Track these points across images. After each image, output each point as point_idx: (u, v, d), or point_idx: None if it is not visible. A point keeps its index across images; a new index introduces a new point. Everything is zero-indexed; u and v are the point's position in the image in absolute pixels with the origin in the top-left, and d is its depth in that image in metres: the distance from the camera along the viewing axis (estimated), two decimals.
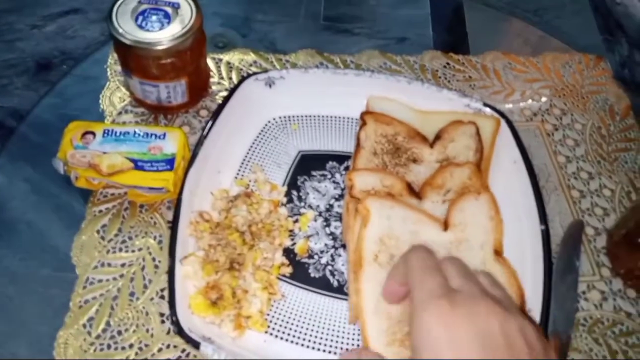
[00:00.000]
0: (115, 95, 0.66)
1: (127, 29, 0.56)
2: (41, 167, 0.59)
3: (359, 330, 0.50)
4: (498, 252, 0.51)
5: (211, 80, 0.67)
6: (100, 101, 0.65)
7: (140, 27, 0.57)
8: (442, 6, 0.87)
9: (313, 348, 0.49)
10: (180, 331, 0.46)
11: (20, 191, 0.58)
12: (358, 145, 0.57)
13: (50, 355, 0.48)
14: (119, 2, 0.58)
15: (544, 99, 0.68)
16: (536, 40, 0.78)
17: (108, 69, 0.68)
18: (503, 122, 0.60)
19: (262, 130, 0.62)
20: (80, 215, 0.56)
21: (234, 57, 0.70)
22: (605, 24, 1.56)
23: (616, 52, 1.46)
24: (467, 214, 0.52)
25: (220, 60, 0.70)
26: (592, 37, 1.56)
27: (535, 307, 0.49)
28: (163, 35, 0.56)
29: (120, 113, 0.64)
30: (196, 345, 0.45)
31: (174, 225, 0.51)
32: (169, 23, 0.57)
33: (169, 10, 0.58)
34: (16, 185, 0.59)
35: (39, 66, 1.49)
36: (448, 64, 0.71)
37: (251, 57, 0.70)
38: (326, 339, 0.49)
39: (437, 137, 0.59)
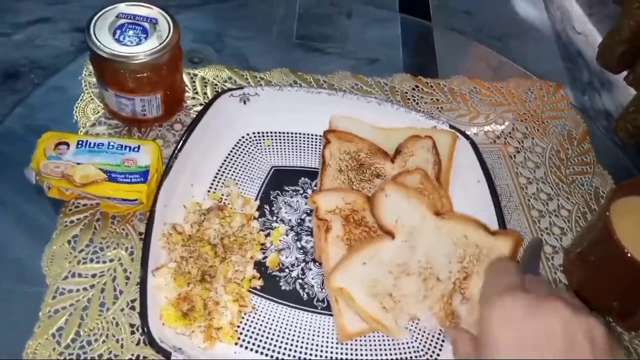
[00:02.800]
0: (89, 107, 0.66)
1: (105, 42, 0.57)
2: (5, 177, 0.59)
3: (328, 342, 0.51)
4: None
5: (186, 95, 0.68)
6: (74, 112, 0.65)
7: (118, 40, 0.58)
8: (411, 29, 0.91)
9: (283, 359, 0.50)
10: (151, 341, 0.46)
11: None
12: (324, 163, 0.59)
13: None
14: (97, 16, 0.59)
15: (507, 123, 0.72)
16: (499, 65, 0.82)
17: (82, 81, 0.69)
18: (468, 144, 0.63)
19: (235, 145, 0.63)
20: (44, 227, 0.56)
21: (208, 72, 0.71)
22: (566, 52, 1.63)
23: (577, 79, 1.53)
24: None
25: (196, 75, 0.71)
26: (554, 64, 1.63)
27: None
28: (140, 50, 0.57)
29: (94, 124, 0.64)
30: (167, 355, 0.46)
31: (146, 237, 0.52)
32: (146, 38, 0.58)
33: (147, 25, 0.59)
34: None
35: (6, 75, 1.47)
36: (417, 86, 0.74)
37: (226, 73, 0.72)
38: (295, 351, 0.50)
39: (398, 151, 0.62)
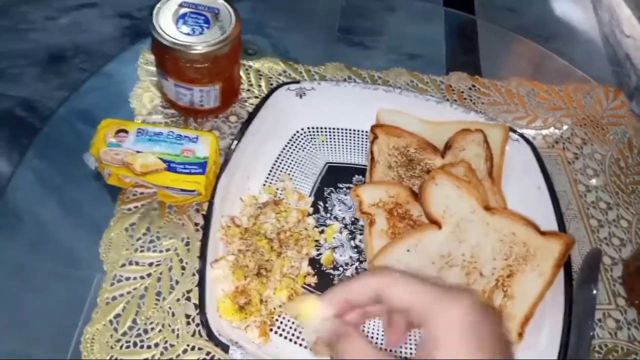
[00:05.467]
0: (145, 95, 0.66)
1: (167, 30, 0.57)
2: (58, 164, 0.60)
3: (378, 340, 0.51)
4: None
5: (241, 87, 0.68)
6: (129, 100, 0.66)
7: (180, 30, 0.57)
8: (455, 24, 0.89)
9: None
10: (209, 334, 0.46)
11: (27, 182, 0.59)
12: (372, 159, 0.59)
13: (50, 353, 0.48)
14: (159, 4, 0.59)
15: (565, 127, 0.70)
16: (544, 63, 0.79)
17: (139, 69, 0.69)
18: (527, 147, 0.62)
19: (290, 140, 0.63)
20: (98, 215, 0.56)
21: (263, 65, 0.71)
22: (614, 56, 1.59)
23: (624, 84, 1.49)
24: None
25: (250, 67, 0.71)
26: (601, 67, 1.59)
27: (555, 334, 0.50)
28: (202, 40, 0.57)
29: (150, 113, 0.64)
30: (225, 348, 0.46)
31: (205, 228, 0.52)
32: (208, 28, 0.58)
33: (209, 15, 0.59)
34: (27, 178, 0.59)
35: (51, 58, 1.49)
36: (474, 86, 0.73)
37: (280, 66, 0.71)
38: None
39: (448, 146, 0.61)
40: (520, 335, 0.50)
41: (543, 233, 0.53)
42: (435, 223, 0.53)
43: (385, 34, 0.85)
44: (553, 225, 0.56)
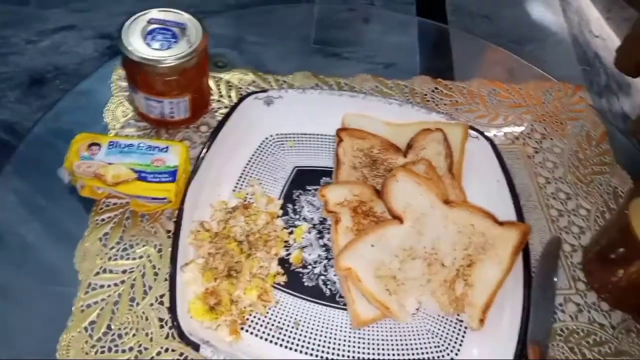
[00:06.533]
0: (118, 110, 0.68)
1: (136, 46, 0.59)
2: (35, 182, 0.62)
3: (350, 337, 0.53)
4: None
5: (211, 98, 0.70)
6: (103, 115, 0.68)
7: (149, 45, 0.60)
8: (429, 33, 0.92)
9: (306, 353, 0.51)
10: (180, 334, 0.48)
11: (10, 203, 0.60)
12: (338, 161, 0.61)
13: None
14: (129, 21, 0.61)
15: (525, 124, 0.73)
16: (516, 68, 0.82)
17: (112, 85, 0.71)
18: (487, 144, 0.64)
19: (259, 146, 0.65)
20: (74, 229, 0.58)
21: (233, 76, 0.73)
22: (584, 56, 1.63)
23: (594, 82, 1.53)
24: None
25: (221, 79, 0.73)
26: (572, 67, 1.63)
27: (515, 318, 0.52)
28: (170, 54, 0.59)
29: (123, 126, 0.66)
30: (196, 347, 0.47)
31: (175, 234, 0.54)
32: (176, 42, 0.60)
33: (177, 30, 0.61)
34: (6, 198, 0.61)
35: (32, 81, 1.51)
36: (437, 88, 0.75)
37: (250, 76, 0.74)
38: (318, 345, 0.52)
39: (410, 146, 0.63)
40: (482, 321, 0.52)
41: (501, 223, 0.56)
42: (397, 218, 0.55)
43: (360, 45, 0.88)
44: (512, 216, 0.58)
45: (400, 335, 0.53)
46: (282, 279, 0.56)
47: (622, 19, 1.72)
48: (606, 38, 1.60)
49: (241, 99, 0.65)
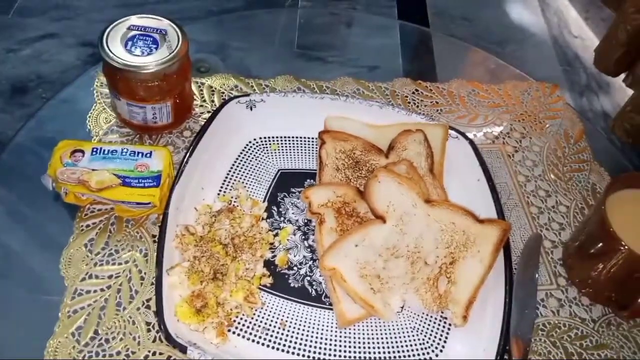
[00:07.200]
0: (101, 117, 0.68)
1: (117, 53, 0.60)
2: (19, 190, 0.62)
3: (336, 336, 0.53)
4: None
5: (194, 103, 0.70)
6: (87, 122, 0.68)
7: (129, 51, 0.60)
8: (410, 36, 0.93)
9: (293, 353, 0.52)
10: (168, 337, 0.48)
11: None
12: (321, 163, 0.62)
13: None
14: (109, 28, 0.62)
15: (505, 124, 0.74)
16: (497, 69, 0.84)
17: (94, 92, 0.71)
18: (467, 144, 0.65)
19: (243, 150, 0.66)
20: (59, 236, 0.58)
21: (215, 81, 0.74)
22: (564, 56, 1.66)
23: (574, 82, 1.55)
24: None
25: (203, 84, 0.73)
26: (552, 67, 1.66)
27: (498, 314, 0.53)
28: (151, 60, 0.60)
29: (106, 133, 0.67)
30: (183, 349, 0.48)
31: (160, 238, 0.54)
32: (156, 48, 0.61)
33: (157, 36, 0.62)
34: None
35: (14, 89, 1.50)
36: (417, 90, 0.76)
37: (232, 81, 0.74)
38: (305, 345, 0.52)
39: (391, 147, 0.64)
40: (465, 318, 0.53)
41: (481, 221, 0.57)
42: (380, 218, 0.56)
43: (343, 48, 0.89)
44: (493, 214, 0.60)
45: (386, 334, 0.54)
46: (268, 280, 0.56)
47: (601, 19, 1.75)
48: (585, 38, 1.63)
49: (223, 104, 0.65)
